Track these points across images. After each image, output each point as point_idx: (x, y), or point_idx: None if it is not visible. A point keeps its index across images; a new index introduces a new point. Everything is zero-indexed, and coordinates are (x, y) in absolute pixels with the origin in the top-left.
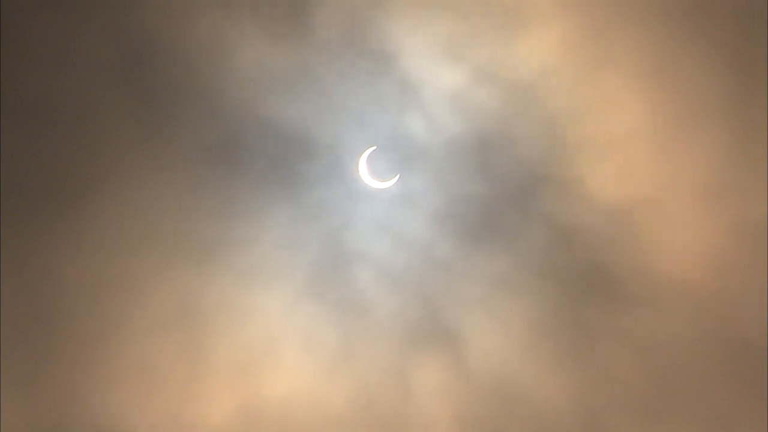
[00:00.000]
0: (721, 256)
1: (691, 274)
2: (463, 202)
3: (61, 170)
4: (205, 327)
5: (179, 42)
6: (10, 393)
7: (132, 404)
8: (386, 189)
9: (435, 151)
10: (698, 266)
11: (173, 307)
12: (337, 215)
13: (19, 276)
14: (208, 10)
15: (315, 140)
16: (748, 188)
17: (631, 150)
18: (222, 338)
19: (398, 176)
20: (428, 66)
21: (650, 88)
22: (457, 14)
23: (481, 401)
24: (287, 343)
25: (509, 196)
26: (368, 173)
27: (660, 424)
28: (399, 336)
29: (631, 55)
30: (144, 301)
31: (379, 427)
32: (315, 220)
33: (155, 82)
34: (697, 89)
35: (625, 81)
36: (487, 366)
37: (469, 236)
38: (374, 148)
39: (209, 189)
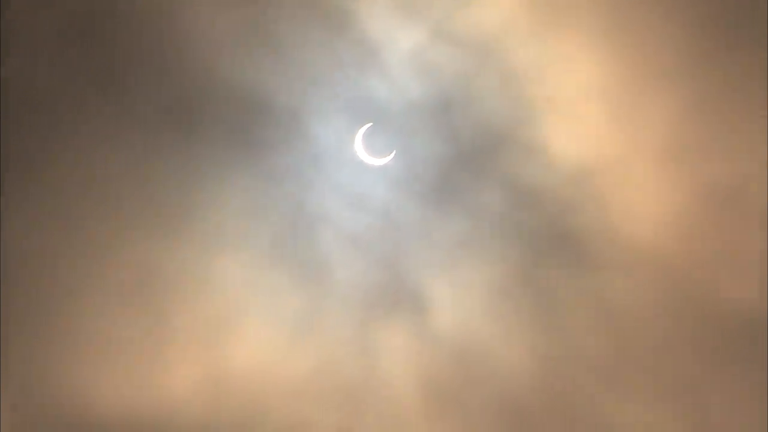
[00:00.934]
0: (686, 218)
1: (655, 236)
2: (425, 164)
3: (14, 138)
4: (166, 295)
5: (132, 2)
6: None
7: (94, 375)
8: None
9: (395, 113)
10: (662, 228)
11: (133, 276)
12: (298, 179)
13: None
14: None
15: (274, 103)
16: (710, 148)
17: (592, 110)
18: (184, 307)
19: (394, 152)
20: (387, 26)
21: (612, 47)
22: None
23: (445, 364)
24: (250, 310)
25: (471, 157)
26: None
27: (623, 388)
28: (362, 301)
29: (591, 14)
30: (103, 270)
31: (344, 394)
32: (276, 185)
33: (109, 45)
34: (659, 48)
35: (586, 40)
36: (450, 329)
37: (430, 199)
38: (371, 124)
39: (167, 154)
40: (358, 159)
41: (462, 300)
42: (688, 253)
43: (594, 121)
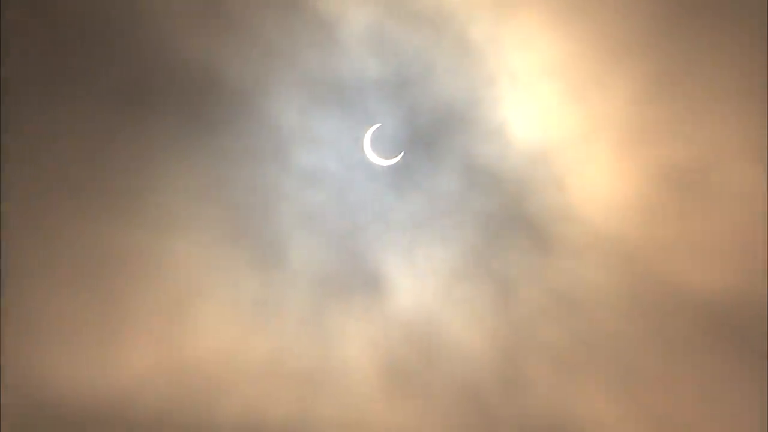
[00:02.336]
0: (647, 201)
1: (615, 220)
2: (381, 143)
3: None
4: (120, 277)
5: None
6: None
7: (49, 357)
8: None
9: (351, 90)
10: (622, 212)
11: (87, 258)
12: (254, 158)
13: None
14: None
15: (228, 81)
16: (672, 129)
17: (551, 90)
18: (138, 289)
19: (402, 153)
20: (343, 2)
21: (571, 24)
22: None
23: (402, 346)
24: (206, 292)
25: (428, 136)
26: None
27: (581, 376)
28: (320, 282)
29: None
30: (55, 250)
31: (302, 377)
32: (231, 164)
33: (59, 22)
34: (619, 26)
35: (545, 17)
36: (407, 312)
37: (386, 179)
38: (379, 125)
39: (119, 133)
40: (313, 138)
41: (419, 282)
42: (649, 238)
43: (553, 101)
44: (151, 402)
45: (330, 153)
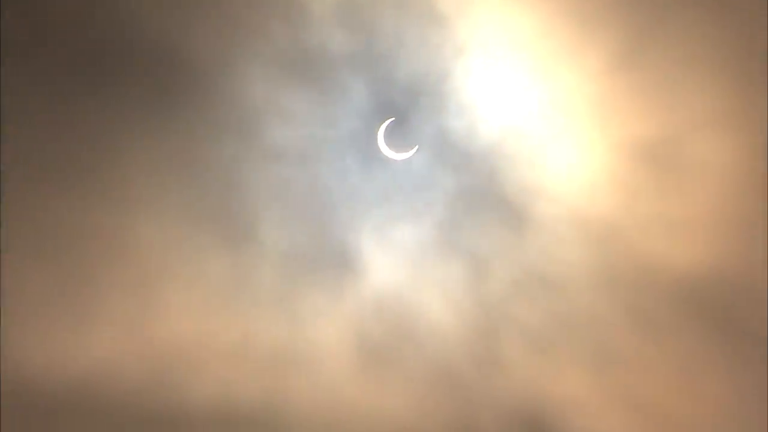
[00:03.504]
0: (620, 177)
1: (588, 197)
2: (348, 119)
3: None
4: (84, 258)
5: None
6: None
7: (14, 341)
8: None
9: (319, 63)
10: (595, 189)
11: (48, 238)
12: (221, 135)
13: None
14: None
15: (195, 55)
16: (644, 103)
17: (522, 63)
18: (103, 269)
19: (416, 148)
20: None
21: None
22: None
23: (374, 326)
24: (173, 272)
25: (397, 111)
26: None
27: (556, 356)
28: (289, 262)
29: None
30: (15, 231)
31: (274, 357)
32: (198, 141)
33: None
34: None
35: None
36: (379, 290)
37: (354, 156)
38: (392, 119)
39: (79, 109)
40: (281, 112)
41: (391, 260)
42: (624, 214)
43: (524, 74)
44: (120, 384)
45: (298, 128)
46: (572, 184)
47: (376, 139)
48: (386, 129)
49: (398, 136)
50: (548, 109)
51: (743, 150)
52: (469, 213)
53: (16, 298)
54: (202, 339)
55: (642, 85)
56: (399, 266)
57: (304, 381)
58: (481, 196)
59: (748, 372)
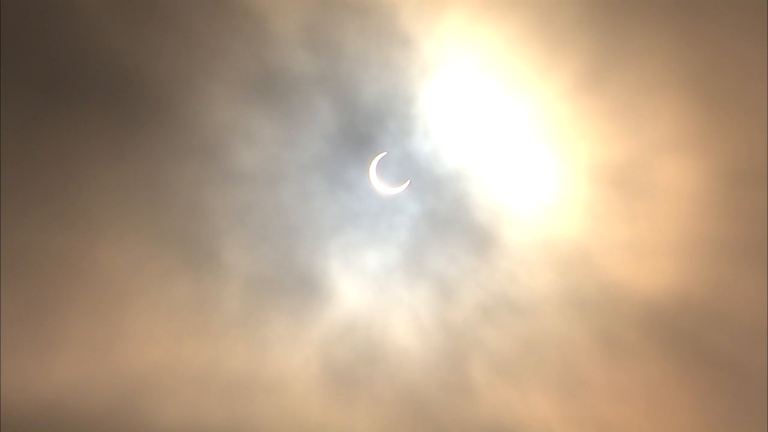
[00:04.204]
0: (587, 200)
1: (555, 220)
2: (312, 142)
3: None
4: (47, 281)
5: None
6: None
7: None
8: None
9: (283, 85)
10: (562, 211)
11: (10, 262)
12: (184, 157)
13: None
14: None
15: (153, 75)
16: (608, 125)
17: (485, 85)
18: (66, 293)
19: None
20: None
21: (506, 19)
22: None
23: (340, 350)
24: (136, 296)
25: (361, 134)
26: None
27: (522, 379)
28: (253, 286)
29: None
30: None
31: (238, 385)
32: (161, 163)
33: None
34: (555, 19)
35: (480, 10)
36: (344, 314)
37: (320, 177)
38: (384, 153)
39: (40, 131)
40: (243, 134)
41: (356, 284)
42: (591, 238)
43: (489, 96)
44: (84, 409)
45: (262, 150)
46: (539, 208)
47: (340, 163)
48: (376, 164)
49: (361, 156)
50: (514, 132)
51: (707, 174)
52: (436, 237)
53: None
54: (168, 364)
55: (609, 106)
56: (365, 290)
57: (270, 406)
58: (448, 220)
59: (714, 396)
